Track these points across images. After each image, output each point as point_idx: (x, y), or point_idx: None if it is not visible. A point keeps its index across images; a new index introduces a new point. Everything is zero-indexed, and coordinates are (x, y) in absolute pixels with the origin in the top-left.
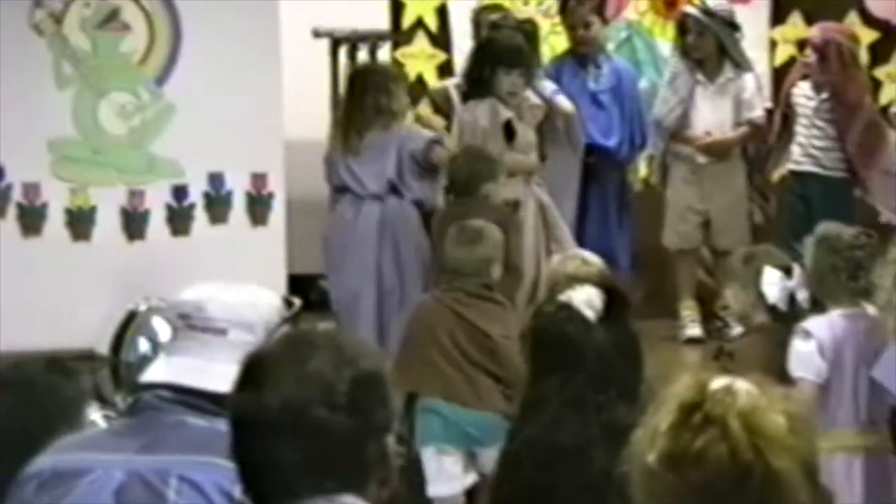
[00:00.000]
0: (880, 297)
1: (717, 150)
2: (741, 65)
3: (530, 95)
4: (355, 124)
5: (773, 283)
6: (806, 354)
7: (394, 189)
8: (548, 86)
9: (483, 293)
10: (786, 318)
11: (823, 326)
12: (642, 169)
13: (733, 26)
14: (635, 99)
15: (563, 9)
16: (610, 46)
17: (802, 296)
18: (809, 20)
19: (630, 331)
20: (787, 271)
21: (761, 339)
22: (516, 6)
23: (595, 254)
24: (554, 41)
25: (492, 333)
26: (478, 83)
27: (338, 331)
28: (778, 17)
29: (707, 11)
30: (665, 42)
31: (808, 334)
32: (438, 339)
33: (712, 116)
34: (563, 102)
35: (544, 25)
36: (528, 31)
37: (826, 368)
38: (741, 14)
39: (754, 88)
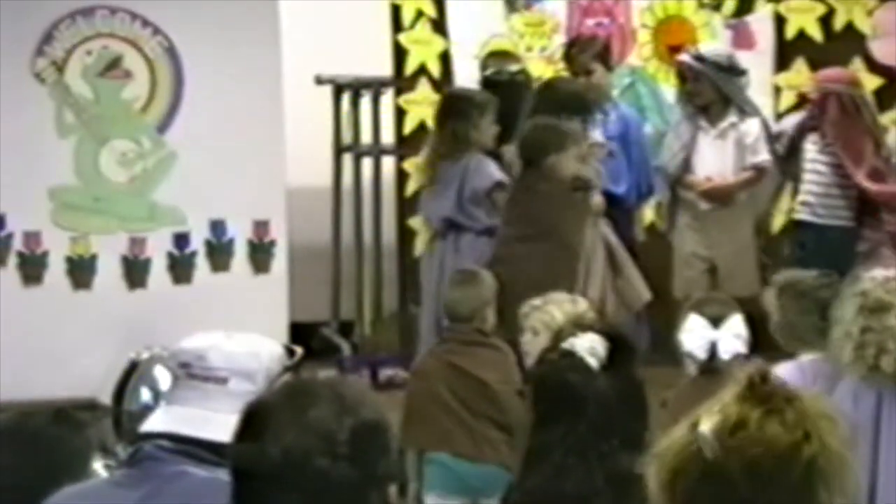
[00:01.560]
0: (838, 329)
1: (718, 196)
2: (745, 109)
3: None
4: (435, 153)
5: (691, 331)
6: None
7: (453, 225)
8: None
9: (478, 339)
10: (707, 368)
11: (794, 371)
12: (648, 215)
13: (732, 71)
14: (642, 146)
15: (567, 56)
16: (614, 93)
17: (731, 348)
18: (814, 66)
19: (635, 379)
20: (718, 321)
21: (690, 388)
22: (517, 52)
23: None
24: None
25: (489, 381)
26: None
27: (339, 380)
28: (782, 64)
29: (699, 57)
30: (669, 88)
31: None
32: (437, 394)
33: (714, 162)
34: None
35: (547, 72)
36: (521, 82)
37: None
38: (745, 60)
39: (759, 133)
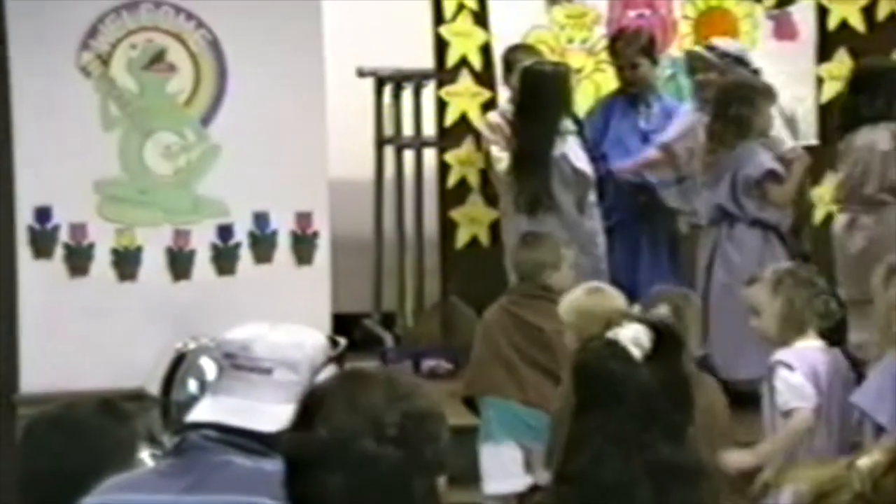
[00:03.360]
0: (878, 318)
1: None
2: None
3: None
4: (718, 139)
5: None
6: (797, 384)
7: (727, 214)
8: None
9: (536, 293)
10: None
11: (798, 357)
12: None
13: (740, 62)
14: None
15: (612, 49)
16: (659, 84)
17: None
18: (856, 57)
19: (679, 371)
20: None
21: None
22: (558, 44)
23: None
24: (599, 79)
25: (545, 328)
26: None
27: (394, 371)
28: (824, 54)
29: (709, 47)
30: None
31: (789, 366)
32: (495, 341)
33: None
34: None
35: (588, 64)
36: (562, 73)
37: (816, 395)
38: (787, 51)
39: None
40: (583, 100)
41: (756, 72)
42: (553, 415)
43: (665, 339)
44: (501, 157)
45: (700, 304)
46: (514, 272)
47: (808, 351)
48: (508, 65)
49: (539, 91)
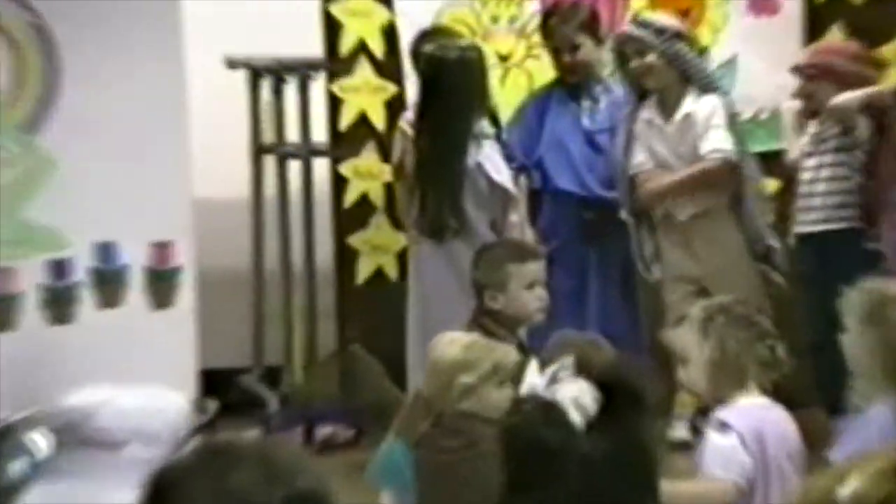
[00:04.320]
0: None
1: (661, 197)
2: (707, 87)
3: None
4: None
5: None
6: (726, 451)
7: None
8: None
9: (481, 321)
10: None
11: (739, 415)
12: None
13: (683, 38)
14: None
15: (545, 28)
16: (606, 72)
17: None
18: (853, 35)
19: (635, 439)
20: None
21: None
22: (481, 25)
23: (598, 334)
24: (532, 67)
25: None
26: None
27: (270, 441)
28: (814, 33)
29: (643, 23)
30: None
31: (725, 425)
32: None
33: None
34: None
35: (517, 49)
36: (470, 59)
37: (751, 465)
38: (767, 28)
39: (712, 113)
40: (514, 94)
41: (703, 51)
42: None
43: (618, 398)
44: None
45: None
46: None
47: (754, 409)
48: (417, 58)
49: (441, 84)
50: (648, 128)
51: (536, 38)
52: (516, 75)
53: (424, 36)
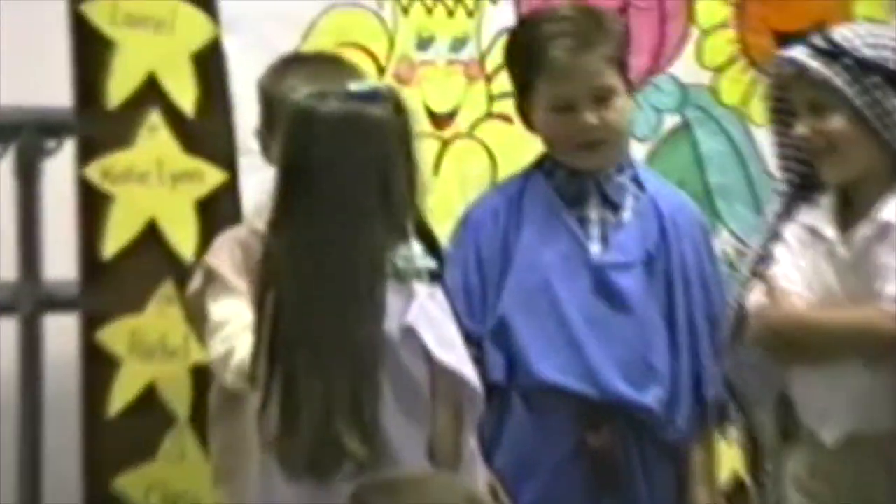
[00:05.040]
0: None
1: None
2: None
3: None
4: None
5: None
6: None
7: None
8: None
9: None
10: None
11: None
12: (728, 455)
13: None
14: (705, 283)
15: (528, 57)
16: (638, 151)
17: None
18: None
19: None
20: None
21: None
22: (396, 50)
23: None
24: (494, 137)
25: None
26: None
27: None
28: None
29: (831, 47)
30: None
31: None
32: None
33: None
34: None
35: (470, 99)
36: (379, 120)
37: None
38: None
39: None
40: (458, 188)
41: None
42: None
43: None
44: (238, 345)
45: None
46: None
47: None
48: (273, 113)
49: (322, 165)
50: (810, 244)
51: (501, 80)
52: (465, 153)
53: (287, 68)
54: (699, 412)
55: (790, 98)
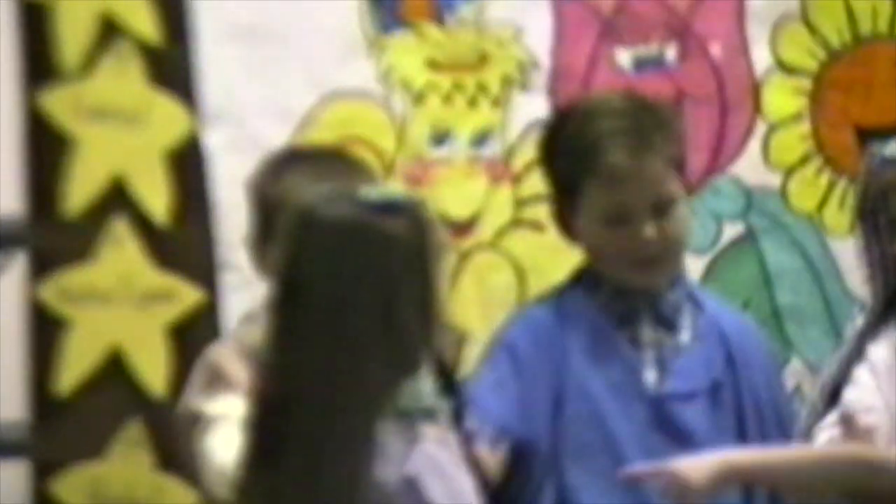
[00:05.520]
0: None
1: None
2: None
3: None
4: None
5: None
6: None
7: None
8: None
9: None
10: None
11: None
12: None
13: None
14: (780, 419)
15: (576, 163)
16: (694, 267)
17: None
18: None
19: None
20: None
21: None
22: (406, 146)
23: None
24: (523, 248)
25: None
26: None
27: None
28: None
29: None
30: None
31: None
32: None
33: None
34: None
35: (494, 206)
36: (397, 237)
37: None
38: None
39: None
40: (478, 308)
41: None
42: None
43: None
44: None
45: None
46: None
47: None
48: (266, 208)
49: (326, 286)
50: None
51: (535, 182)
52: (487, 267)
53: (286, 165)
54: None
55: (889, 202)
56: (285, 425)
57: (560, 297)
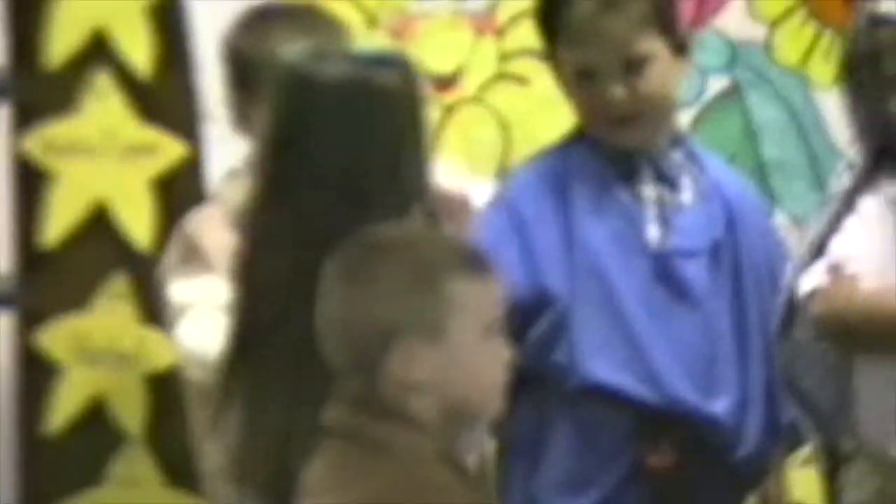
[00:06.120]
0: None
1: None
2: None
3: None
4: None
5: None
6: None
7: None
8: None
9: None
10: None
11: None
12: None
13: None
14: (773, 279)
15: (551, 18)
16: (686, 116)
17: None
18: None
19: None
20: None
21: None
22: (400, 5)
23: None
24: (509, 102)
25: None
26: None
27: None
28: None
29: None
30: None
31: None
32: None
33: None
34: None
35: (479, 59)
36: (387, 88)
37: None
38: None
39: None
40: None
41: None
42: None
43: None
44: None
45: None
46: None
47: None
48: (245, 66)
49: (319, 141)
50: (892, 221)
51: (520, 35)
52: (471, 121)
53: (262, 22)
54: (770, 432)
55: (881, 62)
56: (284, 297)
57: (566, 148)
